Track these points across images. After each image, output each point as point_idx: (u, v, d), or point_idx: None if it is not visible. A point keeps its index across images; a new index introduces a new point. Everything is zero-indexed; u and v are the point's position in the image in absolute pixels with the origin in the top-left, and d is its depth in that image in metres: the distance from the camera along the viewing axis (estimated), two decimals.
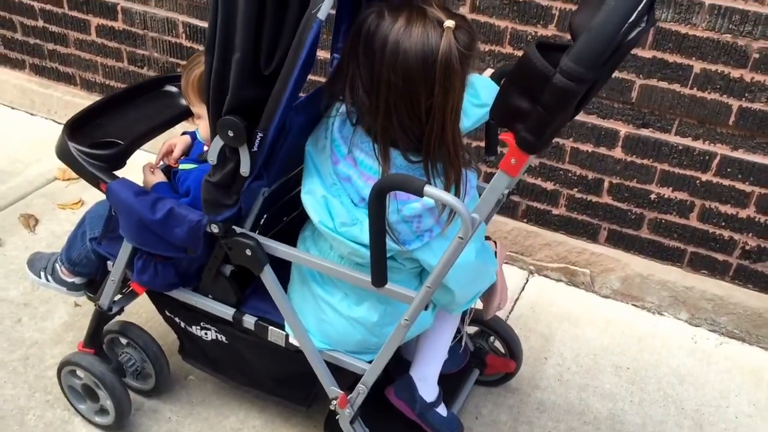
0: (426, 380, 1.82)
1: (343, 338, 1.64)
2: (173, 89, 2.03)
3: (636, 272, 2.62)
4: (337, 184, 1.50)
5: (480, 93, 1.75)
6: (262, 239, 1.60)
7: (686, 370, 2.39)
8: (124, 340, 2.06)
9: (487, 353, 2.18)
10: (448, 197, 1.30)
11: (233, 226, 1.60)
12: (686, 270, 2.59)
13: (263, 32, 1.36)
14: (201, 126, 1.79)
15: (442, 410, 1.85)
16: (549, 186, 2.65)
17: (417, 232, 1.47)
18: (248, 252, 1.59)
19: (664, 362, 2.42)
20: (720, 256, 2.52)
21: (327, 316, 1.64)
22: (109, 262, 1.91)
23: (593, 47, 1.09)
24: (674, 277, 2.58)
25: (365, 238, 1.39)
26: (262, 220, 1.78)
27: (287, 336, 1.71)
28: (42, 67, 3.45)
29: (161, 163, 1.91)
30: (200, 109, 1.74)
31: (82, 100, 3.26)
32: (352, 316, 1.61)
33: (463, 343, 2.06)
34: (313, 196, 1.52)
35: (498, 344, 2.21)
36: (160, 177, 1.82)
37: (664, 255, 2.60)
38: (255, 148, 1.45)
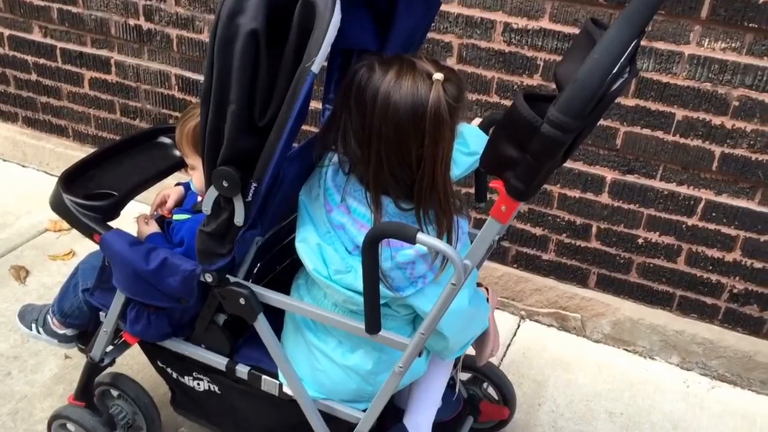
0: (419, 428, 1.82)
1: (338, 387, 1.64)
2: (167, 140, 2.06)
3: (626, 316, 2.64)
4: (331, 232, 1.52)
5: (469, 142, 1.78)
6: (256, 288, 1.61)
7: (679, 416, 2.39)
8: (115, 392, 2.04)
9: (481, 400, 2.17)
10: (440, 244, 1.32)
11: (227, 275, 1.61)
12: (676, 314, 2.61)
13: (258, 85, 1.40)
14: (195, 177, 1.81)
15: None
16: (538, 231, 2.68)
17: (411, 278, 1.49)
18: (242, 301, 1.60)
19: (657, 407, 2.42)
20: (709, 300, 2.54)
21: (321, 364, 1.64)
22: (101, 313, 1.90)
23: (578, 98, 1.12)
24: (664, 321, 2.60)
25: (359, 285, 1.41)
26: (256, 269, 1.80)
27: (281, 385, 1.71)
28: (34, 120, 3.48)
29: (155, 213, 1.93)
30: (194, 161, 1.77)
31: (74, 151, 3.29)
32: (347, 364, 1.61)
33: (456, 390, 2.06)
34: (307, 244, 1.54)
35: (491, 391, 2.21)
36: (154, 228, 1.83)
37: (654, 299, 2.62)
38: (249, 198, 1.47)
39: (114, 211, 1.79)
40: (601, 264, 2.64)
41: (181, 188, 1.96)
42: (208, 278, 1.60)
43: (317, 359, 1.64)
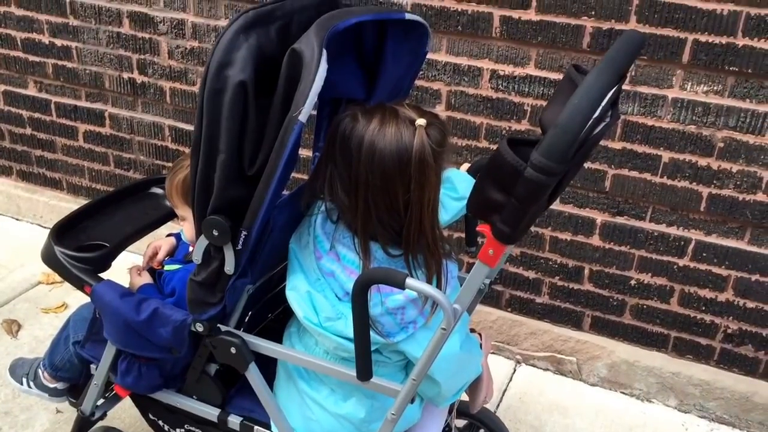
0: None
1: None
2: (159, 191, 2.07)
3: (622, 359, 2.63)
4: (321, 279, 1.52)
5: (457, 186, 1.80)
6: (247, 336, 1.61)
7: None
8: None
9: None
10: (429, 289, 1.32)
11: (218, 325, 1.61)
12: (671, 355, 2.60)
13: (247, 134, 1.42)
14: (185, 227, 1.82)
15: None
16: (531, 275, 2.69)
17: (401, 323, 1.49)
18: (233, 350, 1.59)
19: None
20: (703, 341, 2.54)
21: (313, 413, 1.62)
22: (92, 366, 1.89)
23: (560, 142, 1.14)
24: (660, 363, 2.59)
25: (350, 332, 1.41)
26: (247, 318, 1.80)
27: None
28: (29, 173, 3.50)
29: (147, 265, 1.94)
30: (184, 212, 1.78)
31: (68, 204, 3.30)
32: (339, 413, 1.60)
33: None
34: (297, 292, 1.54)
35: None
36: (146, 279, 1.84)
37: (649, 340, 2.61)
38: (239, 246, 1.48)
39: (105, 263, 1.80)
40: (594, 306, 2.64)
41: (172, 239, 1.97)
42: (199, 328, 1.60)
43: (309, 408, 1.62)
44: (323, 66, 1.35)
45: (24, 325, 2.80)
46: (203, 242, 1.51)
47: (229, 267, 1.51)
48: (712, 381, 2.52)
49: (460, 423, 2.19)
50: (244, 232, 1.47)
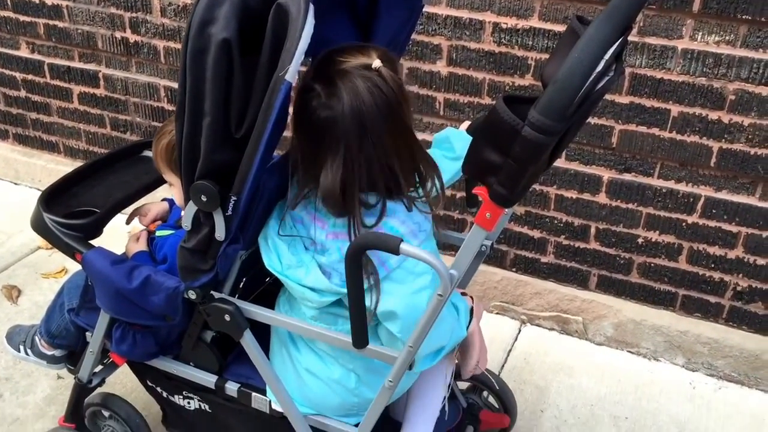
0: None
1: (324, 401, 1.60)
2: (151, 154, 2.02)
3: (629, 318, 2.59)
4: (292, 227, 1.50)
5: (455, 146, 1.74)
6: (241, 303, 1.57)
7: (686, 418, 2.34)
8: (106, 413, 2.00)
9: (481, 409, 2.12)
10: (424, 254, 1.27)
11: (211, 292, 1.57)
12: (679, 314, 2.55)
13: (232, 95, 1.36)
14: (175, 193, 1.77)
15: None
16: (536, 234, 2.63)
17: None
18: (227, 317, 1.55)
19: (664, 410, 2.37)
20: (712, 298, 2.49)
21: (305, 379, 1.59)
22: (87, 333, 1.87)
23: (559, 99, 1.08)
24: (668, 322, 2.55)
25: (310, 281, 1.42)
26: (242, 284, 1.76)
27: (271, 402, 1.67)
28: (25, 137, 3.45)
29: (143, 228, 1.89)
30: (171, 177, 1.73)
31: (66, 167, 3.25)
32: (331, 378, 1.57)
33: (456, 400, 2.01)
34: (264, 239, 1.53)
35: (491, 399, 2.16)
36: (141, 246, 1.80)
37: (656, 299, 2.57)
38: (229, 212, 1.43)
39: (96, 229, 1.75)
40: (601, 265, 2.59)
41: (165, 203, 1.92)
42: (192, 295, 1.56)
43: (301, 374, 1.60)
44: (310, 22, 1.28)
45: (24, 290, 2.78)
46: (192, 208, 1.46)
47: (220, 233, 1.46)
48: (721, 339, 2.48)
49: (464, 385, 2.16)
50: (233, 198, 1.42)
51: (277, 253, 1.51)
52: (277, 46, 1.31)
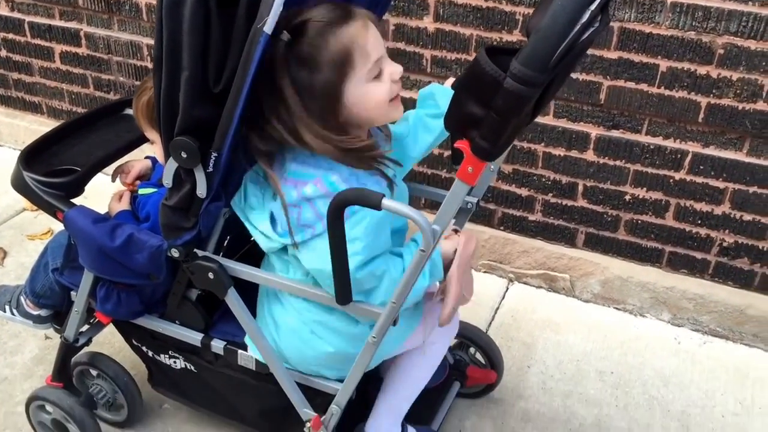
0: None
1: (305, 358, 1.61)
2: (132, 112, 1.99)
3: (615, 275, 2.60)
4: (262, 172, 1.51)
5: (440, 102, 1.72)
6: (225, 261, 1.56)
7: (670, 372, 2.36)
8: (94, 372, 2.01)
9: (468, 365, 2.14)
10: (407, 210, 1.26)
11: (195, 250, 1.56)
12: (666, 270, 2.56)
13: (210, 49, 1.33)
14: (156, 151, 1.75)
15: None
16: (524, 192, 2.63)
17: (298, 224, 1.43)
18: (210, 275, 1.55)
19: (648, 364, 2.39)
20: (698, 255, 2.50)
21: (287, 336, 1.60)
22: (72, 293, 1.86)
23: (541, 49, 1.06)
24: (654, 278, 2.56)
25: (263, 227, 1.47)
26: (226, 242, 1.75)
27: (257, 360, 1.67)
28: (7, 98, 3.40)
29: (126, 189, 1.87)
30: (152, 135, 1.71)
31: (49, 128, 3.18)
32: (314, 333, 1.58)
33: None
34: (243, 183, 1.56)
35: (478, 355, 2.17)
36: (124, 205, 1.78)
37: (643, 256, 2.57)
38: (210, 169, 1.42)
39: (77, 188, 1.74)
40: (588, 223, 2.59)
41: (148, 161, 1.90)
42: (175, 253, 1.55)
43: (282, 331, 1.60)
44: None
45: (10, 252, 2.76)
46: (172, 165, 1.45)
47: (201, 190, 1.45)
48: (707, 295, 2.49)
49: (450, 342, 2.17)
50: (214, 154, 1.40)
51: (245, 193, 1.53)
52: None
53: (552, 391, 2.27)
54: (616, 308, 2.64)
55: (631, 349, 2.45)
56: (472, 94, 1.16)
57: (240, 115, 1.35)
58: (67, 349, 1.92)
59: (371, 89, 1.44)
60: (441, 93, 1.74)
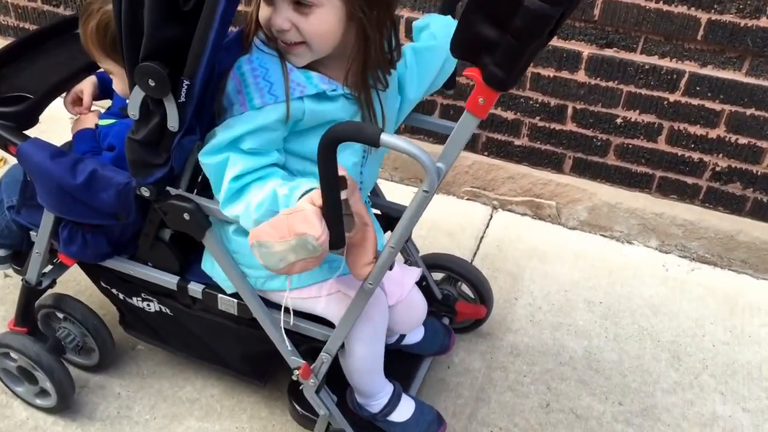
0: (363, 393, 1.69)
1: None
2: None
3: (603, 201, 2.51)
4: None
5: (436, 32, 1.56)
6: (201, 200, 1.42)
7: (659, 301, 2.31)
8: (60, 314, 1.88)
9: (456, 300, 2.05)
10: (407, 145, 1.13)
11: (167, 188, 1.42)
12: (655, 196, 2.48)
13: None
14: (115, 83, 1.57)
15: (403, 408, 1.71)
16: (510, 116, 2.50)
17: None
18: (186, 216, 1.41)
19: (637, 293, 2.34)
20: (690, 180, 2.42)
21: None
22: (32, 233, 1.71)
23: None
24: (643, 204, 2.48)
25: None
26: (200, 177, 1.60)
27: (239, 304, 1.55)
28: None
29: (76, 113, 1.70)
30: (108, 65, 1.53)
31: None
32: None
33: (445, 323, 1.93)
34: None
35: (466, 288, 2.09)
36: (87, 122, 1.62)
37: (632, 181, 2.48)
38: (182, 99, 1.26)
39: (31, 117, 1.56)
40: (577, 147, 2.48)
41: (93, 78, 1.71)
42: (146, 193, 1.40)
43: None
44: None
45: None
46: (139, 94, 1.28)
47: (173, 123, 1.29)
48: (696, 221, 2.43)
49: (438, 276, 2.08)
50: (186, 82, 1.24)
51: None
52: None
53: (541, 323, 2.21)
54: (603, 235, 2.57)
55: (620, 278, 2.39)
56: (485, 14, 1.01)
57: (215, 37, 1.18)
58: (30, 293, 1.78)
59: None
60: (436, 21, 1.58)
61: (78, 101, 1.68)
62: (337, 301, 1.48)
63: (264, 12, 1.35)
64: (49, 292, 1.84)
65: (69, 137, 1.71)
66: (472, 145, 2.60)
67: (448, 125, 1.76)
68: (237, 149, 1.33)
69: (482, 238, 2.53)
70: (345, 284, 1.48)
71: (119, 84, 1.55)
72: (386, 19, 1.38)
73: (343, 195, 1.22)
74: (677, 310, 2.28)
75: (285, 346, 1.54)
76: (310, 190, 1.25)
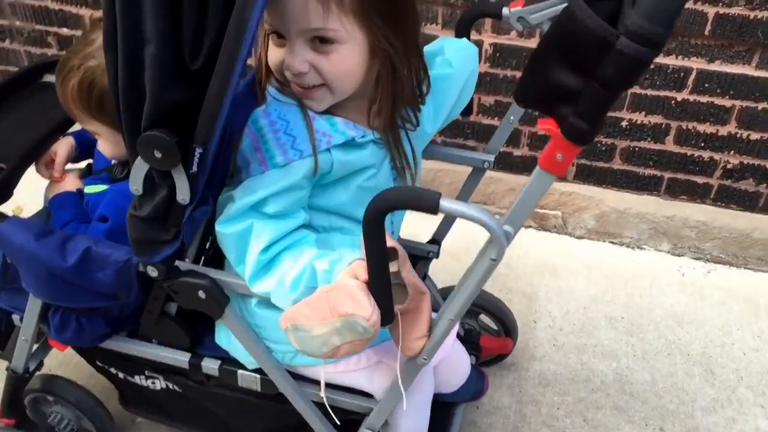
0: None
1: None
2: (53, 79, 1.58)
3: (611, 207, 2.40)
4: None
5: (452, 60, 1.41)
6: (218, 274, 1.24)
7: (681, 310, 2.22)
8: (50, 398, 1.68)
9: (479, 334, 1.92)
10: (472, 211, 0.97)
11: (176, 263, 1.24)
12: (664, 198, 2.38)
13: (183, 11, 0.97)
14: (101, 144, 1.38)
15: None
16: None
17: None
18: (201, 294, 1.23)
19: (657, 304, 2.24)
20: (700, 179, 2.32)
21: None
22: (14, 317, 1.51)
23: None
24: (653, 208, 2.38)
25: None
26: (209, 243, 1.42)
27: (263, 380, 1.39)
28: None
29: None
30: (94, 126, 1.34)
31: None
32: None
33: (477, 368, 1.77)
34: None
35: (486, 319, 1.95)
36: (69, 186, 1.43)
37: (640, 185, 2.38)
38: (194, 169, 1.08)
39: (5, 190, 1.36)
40: (580, 154, 2.36)
41: (70, 139, 1.52)
42: (153, 273, 1.21)
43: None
44: None
45: None
46: (141, 167, 1.09)
47: (183, 196, 1.10)
48: (709, 221, 2.34)
49: None
50: (198, 150, 1.06)
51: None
52: None
53: (565, 347, 2.09)
54: (612, 242, 2.47)
55: (637, 289, 2.29)
56: (565, 59, 0.87)
57: (232, 96, 1.01)
58: (17, 381, 1.58)
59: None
60: (453, 48, 1.43)
61: (52, 163, 1.48)
62: (378, 372, 1.33)
63: (275, 54, 1.18)
64: (37, 374, 1.64)
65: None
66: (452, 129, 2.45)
67: (463, 155, 1.64)
68: (261, 214, 1.16)
69: None
70: (385, 353, 1.32)
71: (107, 146, 1.36)
72: (413, 49, 1.23)
73: (393, 267, 1.06)
74: (702, 319, 2.19)
75: (319, 423, 1.38)
76: (353, 261, 1.09)
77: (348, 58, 1.15)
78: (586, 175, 2.40)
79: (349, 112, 1.25)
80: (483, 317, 1.95)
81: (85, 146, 1.51)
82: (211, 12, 0.98)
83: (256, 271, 1.16)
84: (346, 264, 1.10)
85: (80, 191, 1.45)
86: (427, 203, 0.97)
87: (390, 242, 1.04)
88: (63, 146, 1.48)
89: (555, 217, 2.47)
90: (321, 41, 1.13)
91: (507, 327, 1.92)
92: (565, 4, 1.46)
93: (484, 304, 1.92)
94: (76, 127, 1.54)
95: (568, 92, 0.88)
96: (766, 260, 2.34)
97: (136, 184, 1.12)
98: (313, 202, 1.25)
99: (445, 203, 0.96)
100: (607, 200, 2.40)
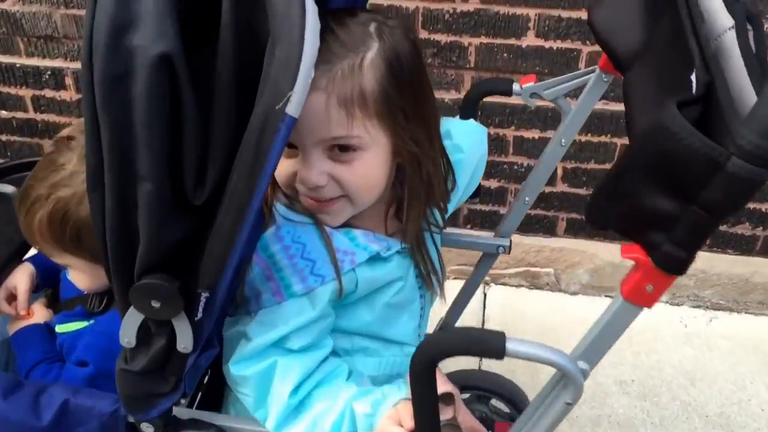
0: None
1: None
2: (8, 190, 1.39)
3: (606, 261, 2.30)
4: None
5: (461, 144, 1.27)
6: (225, 420, 1.06)
7: (690, 365, 2.12)
8: None
9: (493, 422, 1.76)
10: (544, 353, 0.84)
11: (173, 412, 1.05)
12: None
13: (184, 141, 0.81)
14: (72, 275, 1.18)
15: None
16: (493, 184, 2.24)
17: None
18: None
19: (665, 361, 2.13)
20: None
21: None
22: None
23: None
24: None
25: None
26: (206, 378, 1.23)
27: None
28: None
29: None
30: (66, 259, 1.15)
31: None
32: None
33: None
34: None
35: (497, 403, 1.80)
36: (37, 318, 1.24)
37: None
38: (199, 315, 0.90)
39: None
40: (570, 208, 2.25)
41: (30, 267, 1.31)
42: (148, 430, 1.03)
43: None
44: (312, 12, 0.74)
45: None
46: (135, 318, 0.91)
47: (185, 344, 0.93)
48: (708, 268, 2.25)
49: (464, 396, 1.79)
50: (204, 294, 0.88)
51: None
52: (252, 51, 0.78)
53: (579, 420, 1.96)
54: (609, 296, 2.36)
55: (643, 347, 2.18)
56: (659, 181, 0.73)
57: (246, 239, 0.84)
58: None
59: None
60: (461, 131, 1.29)
61: (13, 298, 1.27)
62: None
63: (283, 166, 1.02)
64: None
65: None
66: (452, 219, 2.33)
67: (477, 242, 1.50)
68: (284, 350, 1.00)
69: (483, 323, 2.25)
70: None
71: (83, 278, 1.16)
72: (438, 144, 1.09)
73: (448, 414, 0.91)
74: (713, 374, 2.09)
75: None
76: (398, 402, 0.94)
77: (372, 166, 1.00)
78: (576, 230, 2.30)
79: (364, 220, 1.09)
80: (494, 402, 1.80)
81: (46, 273, 1.31)
82: (214, 139, 0.81)
83: (285, 417, 0.99)
84: (390, 406, 0.95)
85: (48, 324, 1.25)
86: (493, 349, 0.82)
87: (445, 386, 0.89)
88: (22, 277, 1.28)
89: (547, 274, 2.35)
90: (341, 149, 0.97)
91: (520, 409, 1.77)
92: (587, 77, 1.35)
93: (493, 388, 1.78)
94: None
95: (663, 218, 0.74)
96: (766, 304, 2.27)
97: (127, 336, 0.94)
98: (334, 324, 1.09)
99: (512, 346, 0.83)
100: (601, 254, 2.30)
